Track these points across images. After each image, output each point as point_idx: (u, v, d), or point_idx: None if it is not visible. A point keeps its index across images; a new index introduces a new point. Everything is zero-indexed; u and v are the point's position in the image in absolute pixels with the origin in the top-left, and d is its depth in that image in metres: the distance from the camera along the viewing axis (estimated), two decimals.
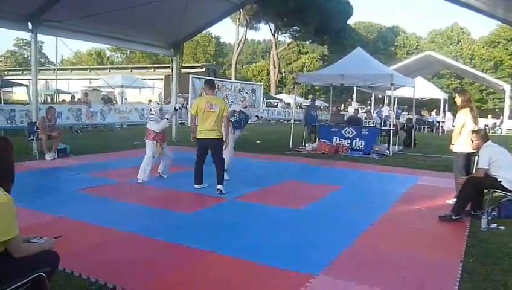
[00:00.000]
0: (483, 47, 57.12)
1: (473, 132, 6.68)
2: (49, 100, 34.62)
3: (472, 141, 6.55)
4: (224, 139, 7.65)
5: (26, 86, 23.64)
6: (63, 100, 26.15)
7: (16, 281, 2.56)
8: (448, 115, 29.40)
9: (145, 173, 8.17)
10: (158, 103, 9.65)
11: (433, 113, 32.15)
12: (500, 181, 6.01)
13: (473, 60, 56.35)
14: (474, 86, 52.33)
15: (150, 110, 8.77)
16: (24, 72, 46.99)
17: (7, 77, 42.88)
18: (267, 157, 12.47)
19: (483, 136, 6.47)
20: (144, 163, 8.21)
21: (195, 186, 7.74)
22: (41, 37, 12.22)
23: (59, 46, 39.39)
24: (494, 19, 11.81)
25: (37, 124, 11.01)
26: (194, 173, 7.76)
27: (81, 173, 9.00)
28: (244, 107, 9.12)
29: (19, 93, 34.61)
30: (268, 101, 40.93)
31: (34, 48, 11.54)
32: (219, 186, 7.45)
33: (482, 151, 6.27)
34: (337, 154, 13.51)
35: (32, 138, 11.09)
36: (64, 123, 17.93)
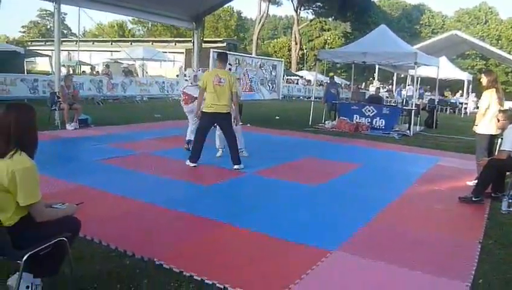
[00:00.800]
0: (511, 28, 55.55)
1: (500, 111, 6.55)
2: (71, 71, 34.94)
3: (498, 120, 6.43)
4: (234, 116, 7.62)
5: (49, 56, 23.87)
6: (83, 72, 26.27)
7: (39, 245, 2.62)
8: (472, 96, 28.88)
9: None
10: (193, 70, 9.71)
11: (458, 94, 31.61)
12: None
13: (500, 41, 54.94)
14: (500, 67, 51.02)
15: (185, 75, 8.93)
16: (47, 43, 47.41)
17: (30, 48, 43.32)
18: (287, 133, 12.44)
19: (510, 116, 6.33)
20: (190, 129, 8.60)
21: (190, 162, 7.37)
22: (64, 8, 12.20)
23: (82, 18, 39.51)
24: None
25: (57, 93, 11.14)
26: (193, 147, 7.50)
27: (102, 144, 9.09)
28: None
29: (42, 64, 34.83)
30: (289, 77, 40.63)
31: (57, 18, 11.54)
32: (236, 166, 7.31)
33: (507, 133, 6.14)
34: (357, 133, 13.42)
35: (54, 107, 11.24)
36: (86, 94, 18.10)
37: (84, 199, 3.66)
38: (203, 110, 7.32)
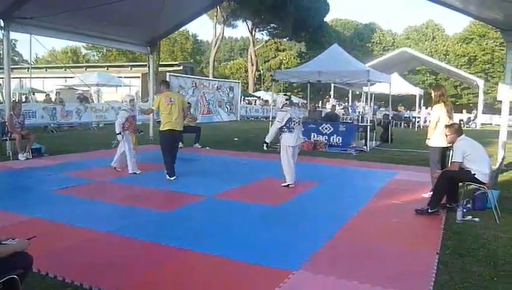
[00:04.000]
0: (457, 43, 58.01)
1: (447, 126, 6.75)
2: (23, 99, 33.95)
3: (446, 135, 6.64)
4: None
5: None
6: (36, 101, 25.54)
7: None
8: (425, 110, 29.85)
9: (135, 164, 8.84)
10: (129, 96, 9.97)
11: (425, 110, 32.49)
12: (474, 174, 6.11)
13: (447, 56, 57.15)
14: (449, 81, 53.10)
15: (122, 101, 9.33)
16: None
17: None
18: (246, 155, 12.44)
19: (457, 130, 6.54)
20: (128, 156, 8.86)
21: (171, 178, 8.28)
22: (14, 35, 11.91)
23: (33, 45, 38.69)
24: (467, 15, 12.00)
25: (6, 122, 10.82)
26: (169, 165, 8.34)
27: (57, 173, 8.83)
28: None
29: None
30: (247, 98, 40.93)
31: (6, 45, 11.27)
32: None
33: (456, 145, 6.36)
34: (315, 151, 13.56)
35: (5, 137, 10.86)
36: (39, 122, 17.60)
37: (39, 232, 3.54)
38: (163, 129, 8.28)
